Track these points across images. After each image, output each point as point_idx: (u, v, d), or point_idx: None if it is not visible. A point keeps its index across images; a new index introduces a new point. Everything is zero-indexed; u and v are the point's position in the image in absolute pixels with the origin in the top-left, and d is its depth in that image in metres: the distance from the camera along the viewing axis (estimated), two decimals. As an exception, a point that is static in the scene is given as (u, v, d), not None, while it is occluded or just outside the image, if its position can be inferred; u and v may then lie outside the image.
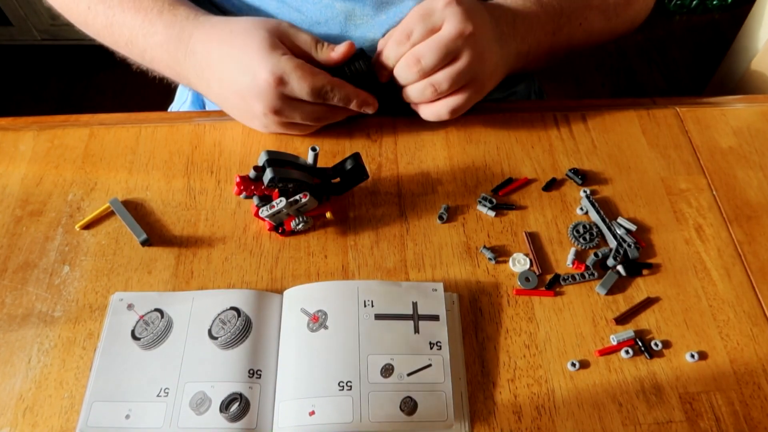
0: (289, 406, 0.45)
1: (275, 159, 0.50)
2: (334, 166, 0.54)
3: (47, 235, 0.54)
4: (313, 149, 0.52)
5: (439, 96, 0.55)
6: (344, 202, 0.57)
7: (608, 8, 0.65)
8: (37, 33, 1.64)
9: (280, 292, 0.51)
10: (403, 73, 0.54)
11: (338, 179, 0.54)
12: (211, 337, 0.48)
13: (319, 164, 0.54)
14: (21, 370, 0.47)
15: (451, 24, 0.52)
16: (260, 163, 0.50)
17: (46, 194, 0.56)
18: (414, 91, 0.55)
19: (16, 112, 0.62)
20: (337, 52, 0.54)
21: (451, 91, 0.55)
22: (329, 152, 0.60)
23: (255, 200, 0.52)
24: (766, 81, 0.87)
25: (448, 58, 0.53)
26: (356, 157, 0.53)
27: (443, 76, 0.53)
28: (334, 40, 0.60)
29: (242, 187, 0.50)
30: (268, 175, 0.49)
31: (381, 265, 0.53)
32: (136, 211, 0.55)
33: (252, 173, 0.50)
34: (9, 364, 0.47)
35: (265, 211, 0.51)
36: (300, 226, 0.53)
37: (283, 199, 0.51)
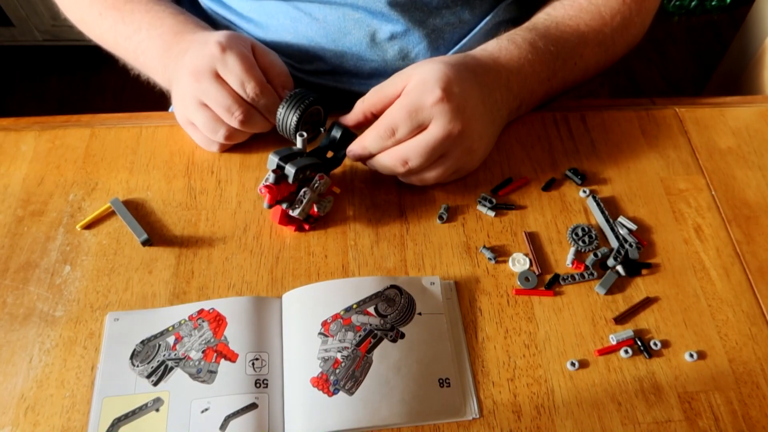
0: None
1: (285, 156, 0.50)
2: (322, 144, 0.55)
3: (48, 235, 0.54)
4: (301, 135, 0.53)
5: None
6: (344, 202, 0.57)
7: (605, 39, 0.62)
8: (38, 33, 1.64)
9: (281, 291, 0.51)
10: (387, 166, 0.53)
11: (331, 153, 0.55)
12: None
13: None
14: (22, 369, 0.47)
15: (439, 125, 0.50)
16: (272, 167, 0.50)
17: (48, 194, 0.56)
18: (387, 170, 0.54)
19: (17, 112, 0.63)
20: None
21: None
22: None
23: (284, 205, 0.52)
24: (764, 81, 0.87)
25: (435, 158, 0.52)
26: (338, 124, 0.54)
27: (431, 174, 0.54)
28: (354, 56, 0.63)
29: (273, 194, 0.50)
30: (290, 170, 0.49)
31: (381, 265, 0.53)
32: (137, 210, 0.56)
33: (272, 177, 0.50)
34: (10, 363, 0.47)
35: (296, 209, 0.51)
36: (327, 207, 0.54)
37: (307, 189, 0.51)
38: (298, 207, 0.51)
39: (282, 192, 0.51)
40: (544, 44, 0.58)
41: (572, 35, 0.60)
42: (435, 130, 0.50)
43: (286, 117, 0.53)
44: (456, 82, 0.51)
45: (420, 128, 0.51)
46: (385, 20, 0.62)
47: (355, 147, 0.53)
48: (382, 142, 0.51)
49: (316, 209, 0.53)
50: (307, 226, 0.54)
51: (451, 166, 0.54)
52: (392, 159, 0.52)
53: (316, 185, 0.52)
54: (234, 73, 0.52)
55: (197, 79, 0.53)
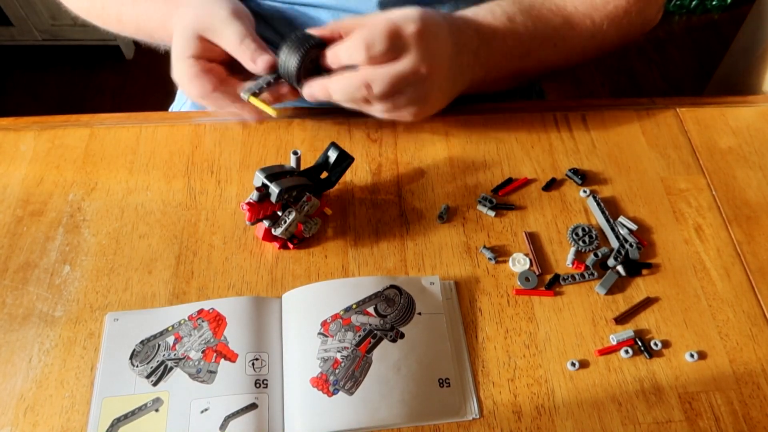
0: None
1: (272, 174, 0.49)
2: (317, 163, 0.54)
3: (48, 235, 0.54)
4: (295, 153, 0.52)
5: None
6: (344, 202, 0.57)
7: (593, 25, 0.60)
8: (37, 33, 1.64)
9: (280, 291, 0.51)
10: (348, 87, 0.51)
11: (325, 173, 0.54)
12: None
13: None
14: (22, 369, 0.47)
15: (411, 59, 0.50)
16: (257, 184, 0.49)
17: (47, 194, 0.56)
18: (345, 93, 0.52)
19: (16, 112, 0.63)
20: (259, 65, 0.52)
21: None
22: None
23: (266, 223, 0.51)
24: (765, 81, 0.87)
25: (396, 90, 0.51)
26: (335, 146, 0.53)
27: (378, 107, 0.53)
28: None
29: (254, 212, 0.50)
30: (274, 190, 0.48)
31: (381, 265, 0.53)
32: (137, 210, 0.56)
33: (255, 195, 0.49)
34: (10, 363, 0.47)
35: (279, 229, 0.51)
36: (314, 228, 0.53)
37: (293, 210, 0.51)
38: (280, 227, 0.51)
39: (265, 210, 0.51)
40: (522, 20, 0.57)
41: (556, 15, 0.59)
42: (407, 62, 0.50)
43: (287, 61, 0.52)
44: (434, 27, 0.51)
45: (393, 55, 0.50)
46: None
47: (328, 54, 0.51)
48: (355, 54, 0.49)
49: (304, 231, 0.53)
50: (291, 246, 0.53)
51: (402, 105, 0.53)
52: (357, 79, 0.50)
53: (303, 206, 0.52)
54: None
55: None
